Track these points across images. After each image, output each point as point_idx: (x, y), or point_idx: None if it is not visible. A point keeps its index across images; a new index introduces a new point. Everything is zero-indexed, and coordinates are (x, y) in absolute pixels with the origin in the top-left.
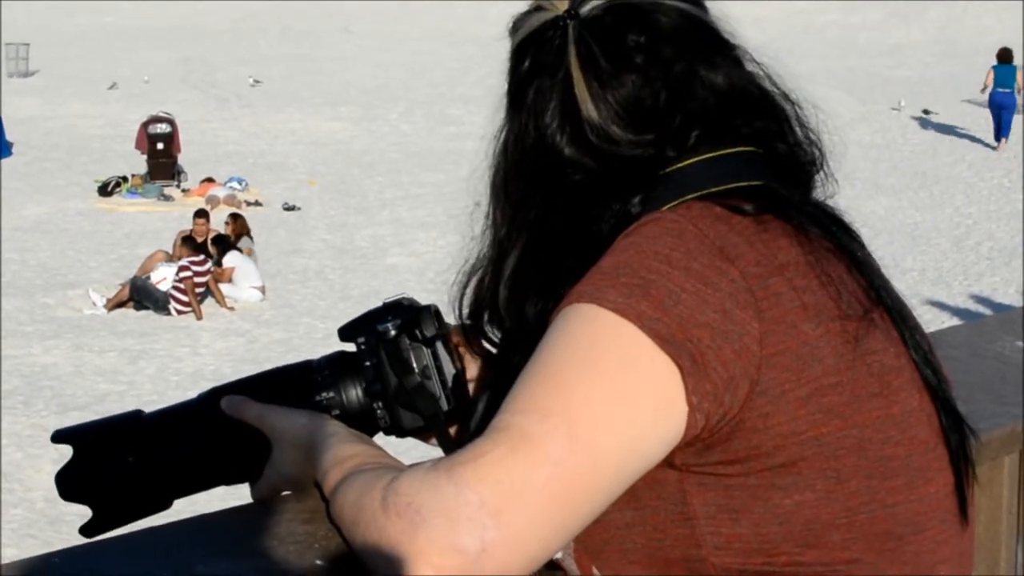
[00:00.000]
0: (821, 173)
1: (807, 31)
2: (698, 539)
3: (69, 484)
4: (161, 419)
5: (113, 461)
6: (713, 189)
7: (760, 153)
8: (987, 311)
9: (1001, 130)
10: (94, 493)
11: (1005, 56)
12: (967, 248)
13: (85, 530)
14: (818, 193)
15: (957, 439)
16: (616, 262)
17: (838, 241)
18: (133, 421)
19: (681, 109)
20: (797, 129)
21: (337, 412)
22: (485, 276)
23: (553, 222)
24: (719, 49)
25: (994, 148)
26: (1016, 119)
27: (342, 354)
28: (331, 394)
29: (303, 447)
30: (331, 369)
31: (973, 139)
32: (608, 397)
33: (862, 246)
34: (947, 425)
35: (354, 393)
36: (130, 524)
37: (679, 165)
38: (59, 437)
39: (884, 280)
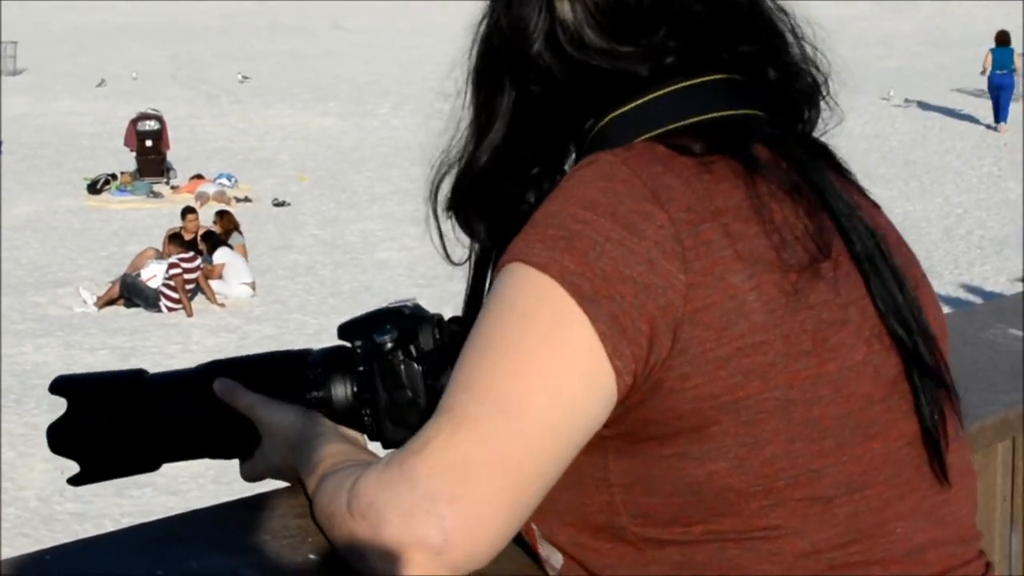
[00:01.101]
0: (822, 99)
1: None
2: (617, 507)
3: (59, 437)
4: (163, 382)
5: (107, 417)
6: (671, 126)
7: (740, 81)
8: (978, 300)
9: (1000, 113)
10: (84, 448)
11: (1003, 38)
12: (957, 237)
13: (73, 480)
14: (822, 122)
15: (927, 391)
16: (546, 211)
17: (809, 179)
18: (134, 380)
19: (664, 17)
20: (794, 50)
21: (326, 411)
22: (461, 169)
23: (523, 119)
24: None
25: (995, 129)
26: (1016, 107)
27: (339, 349)
28: (321, 393)
29: (290, 444)
30: (324, 367)
31: (963, 129)
32: (538, 369)
33: (849, 183)
34: (914, 376)
35: (343, 394)
36: (115, 478)
37: (643, 100)
38: (56, 387)
39: (861, 222)
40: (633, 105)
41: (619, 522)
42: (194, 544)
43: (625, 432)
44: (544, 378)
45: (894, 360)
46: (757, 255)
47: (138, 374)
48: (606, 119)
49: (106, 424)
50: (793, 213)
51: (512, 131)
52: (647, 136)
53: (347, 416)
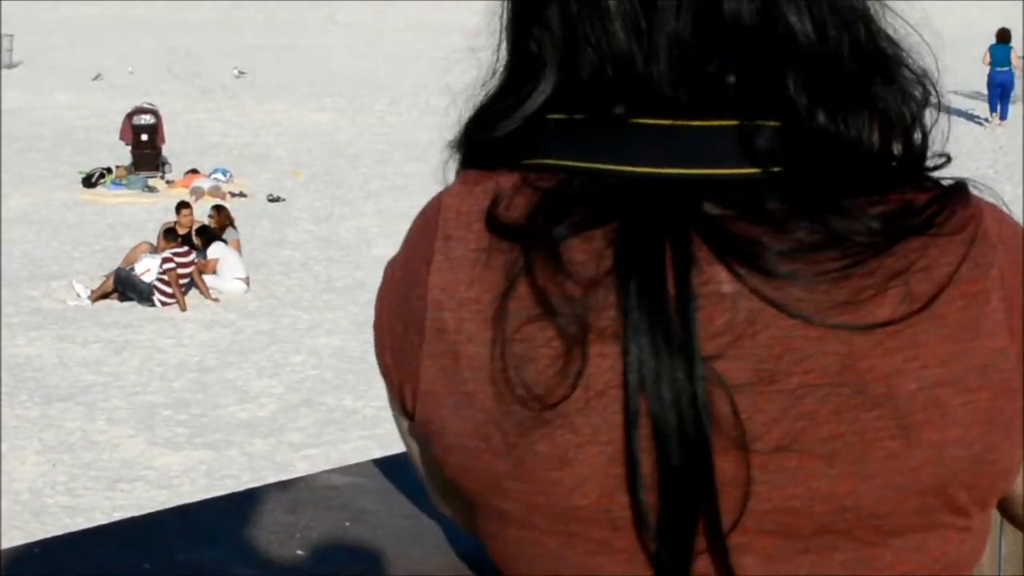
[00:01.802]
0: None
1: None
2: None
3: None
4: None
5: None
6: (570, 163)
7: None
8: None
9: (1002, 113)
10: None
11: (1003, 36)
12: None
13: None
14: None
15: None
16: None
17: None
18: None
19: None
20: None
21: None
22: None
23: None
24: None
25: (984, 123)
26: (1015, 108)
27: None
28: None
29: None
30: None
31: (959, 131)
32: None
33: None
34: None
35: None
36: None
37: (584, 118)
38: None
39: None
40: (567, 117)
41: None
42: (183, 538)
43: None
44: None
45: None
46: (478, 368)
47: None
48: (551, 117)
49: None
50: (550, 330)
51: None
52: (541, 162)
53: None
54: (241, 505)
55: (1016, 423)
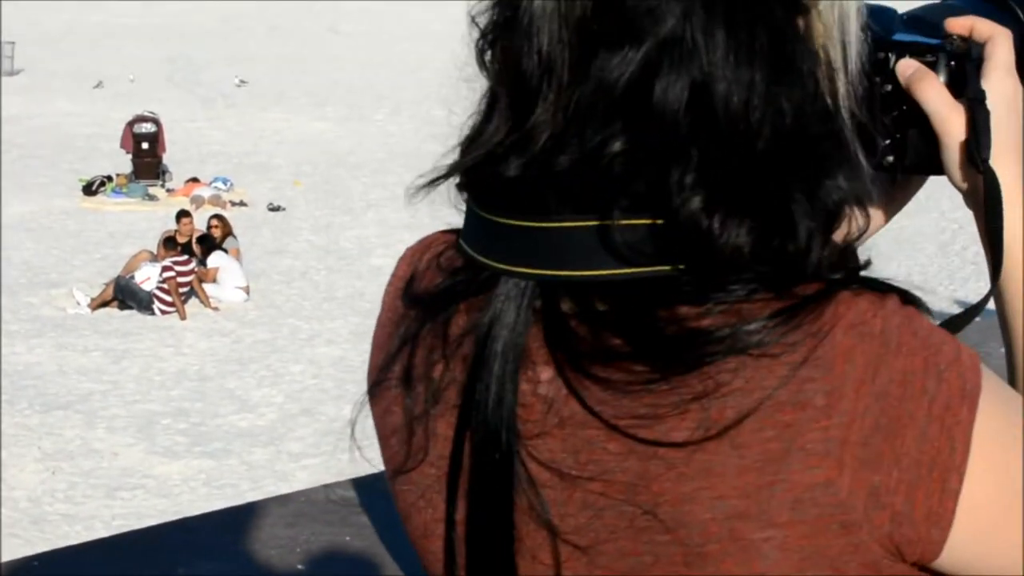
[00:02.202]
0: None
1: None
2: None
3: None
4: None
5: None
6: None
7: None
8: (976, 319)
9: None
10: None
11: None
12: (952, 253)
13: None
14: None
15: None
16: None
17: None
18: None
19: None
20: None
21: None
22: None
23: None
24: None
25: None
26: None
27: None
28: None
29: None
30: None
31: None
32: None
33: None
34: None
35: None
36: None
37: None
38: None
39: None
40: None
41: None
42: (183, 551)
43: None
44: None
45: None
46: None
47: None
48: None
49: None
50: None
51: None
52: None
53: None
54: (242, 519)
55: (853, 559)
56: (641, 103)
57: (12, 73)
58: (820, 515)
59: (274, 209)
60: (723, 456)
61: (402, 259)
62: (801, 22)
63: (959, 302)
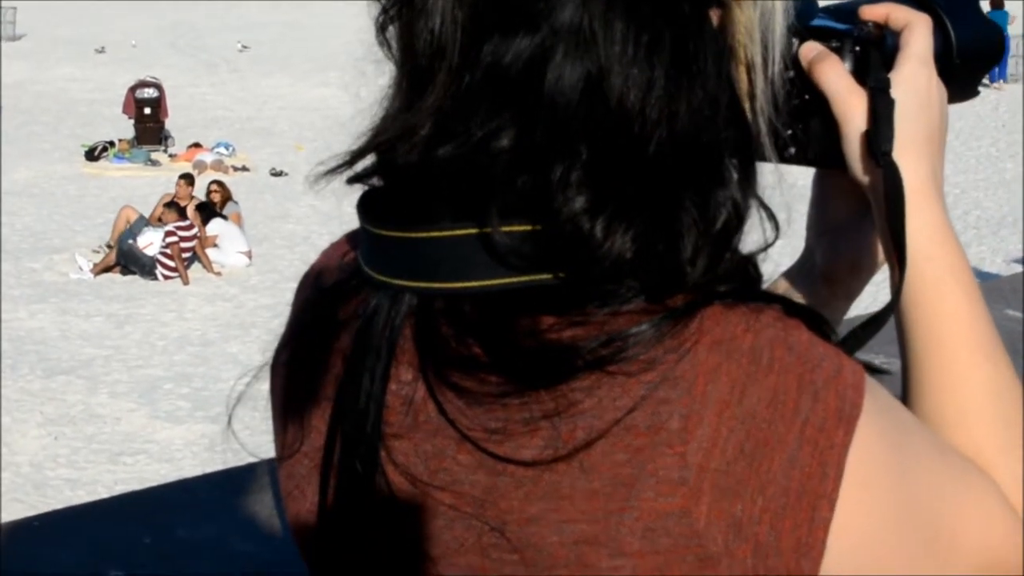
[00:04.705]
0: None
1: None
2: None
3: None
4: None
5: None
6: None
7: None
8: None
9: (1001, 73)
10: None
11: (997, 2)
12: (955, 218)
13: None
14: None
15: None
16: None
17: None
18: None
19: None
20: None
21: None
22: None
23: None
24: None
25: (985, 87)
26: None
27: None
28: None
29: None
30: None
31: (960, 108)
32: None
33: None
34: None
35: None
36: None
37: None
38: None
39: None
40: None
41: None
42: (183, 513)
43: None
44: None
45: None
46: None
47: None
48: None
49: None
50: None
51: None
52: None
53: None
54: (241, 480)
55: None
56: (533, 93)
57: (14, 38)
58: (674, 546)
59: (276, 174)
60: (572, 478)
61: (323, 251)
62: (715, 17)
63: None
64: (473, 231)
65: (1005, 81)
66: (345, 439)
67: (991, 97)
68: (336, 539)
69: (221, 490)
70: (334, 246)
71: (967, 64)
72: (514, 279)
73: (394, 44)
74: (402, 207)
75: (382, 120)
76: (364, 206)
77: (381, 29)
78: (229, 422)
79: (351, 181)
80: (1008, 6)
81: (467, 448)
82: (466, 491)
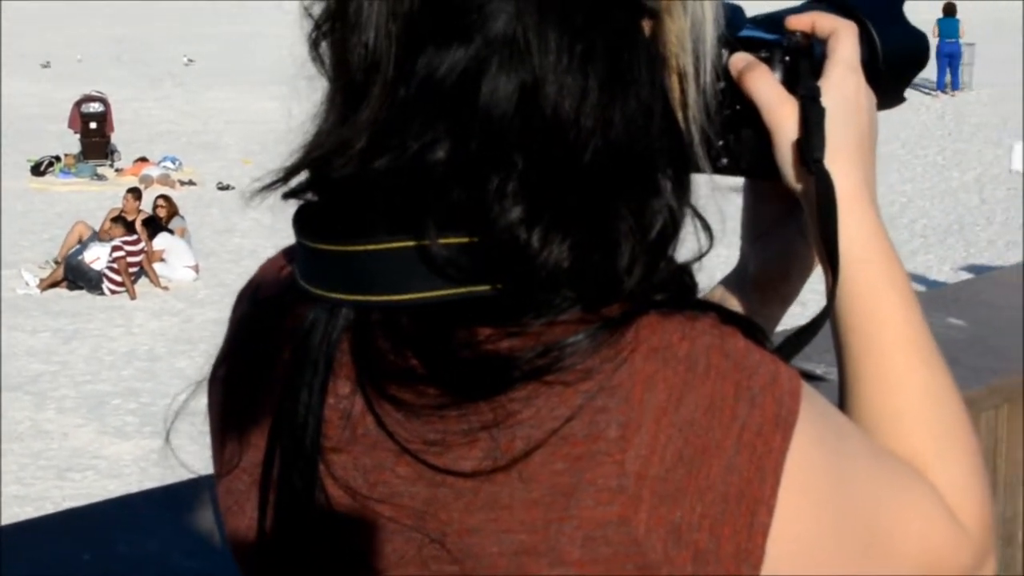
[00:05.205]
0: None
1: None
2: None
3: None
4: None
5: None
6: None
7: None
8: (921, 288)
9: (953, 82)
10: None
11: (949, 9)
12: (901, 226)
13: None
14: None
15: None
16: None
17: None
18: None
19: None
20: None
21: None
22: None
23: None
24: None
25: (935, 95)
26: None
27: None
28: None
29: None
30: None
31: (906, 118)
32: None
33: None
34: None
35: None
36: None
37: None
38: None
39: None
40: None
41: None
42: (125, 528)
43: None
44: None
45: None
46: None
47: None
48: None
49: None
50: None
51: None
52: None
53: None
54: (185, 495)
55: None
56: (468, 104)
57: None
58: (614, 554)
59: (223, 188)
60: (511, 488)
61: (260, 266)
62: (648, 27)
63: (909, 274)
64: (410, 244)
65: (956, 89)
66: (284, 454)
67: (937, 105)
68: (276, 555)
69: (165, 505)
70: (270, 261)
71: (893, 71)
72: (452, 291)
73: (327, 60)
74: (338, 221)
75: (316, 135)
76: (300, 221)
77: (314, 45)
78: (167, 438)
79: (287, 196)
80: (1008, 6)
81: (406, 460)
82: (406, 503)
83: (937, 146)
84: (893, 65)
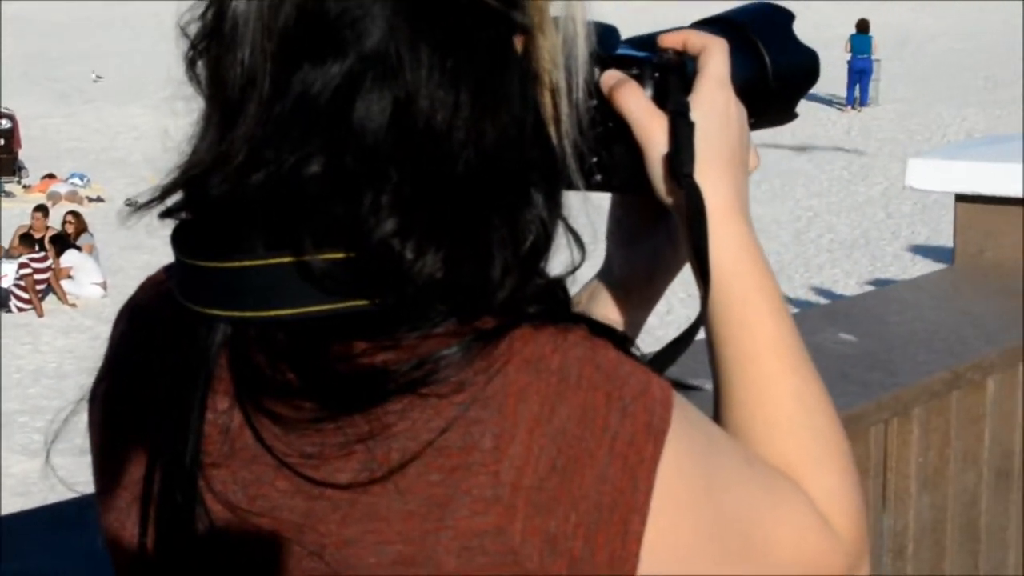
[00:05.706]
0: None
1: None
2: None
3: None
4: None
5: None
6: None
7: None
8: (828, 303)
9: (862, 97)
10: None
11: (863, 26)
12: (808, 241)
13: None
14: None
15: None
16: None
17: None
18: None
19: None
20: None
21: None
22: None
23: None
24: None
25: (844, 109)
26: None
27: None
28: None
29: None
30: None
31: (813, 132)
32: None
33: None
34: None
35: None
36: None
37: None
38: None
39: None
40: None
41: None
42: (20, 545)
43: None
44: None
45: None
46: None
47: None
48: None
49: None
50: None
51: None
52: None
53: None
54: (87, 510)
55: None
56: (342, 120)
57: None
58: (490, 564)
59: (131, 205)
60: (388, 500)
61: (140, 284)
62: (519, 43)
63: (815, 289)
64: (287, 259)
65: (865, 104)
66: (164, 470)
67: (843, 120)
68: (158, 571)
69: (65, 521)
70: (150, 278)
71: (784, 87)
72: (328, 306)
73: (203, 79)
74: (215, 237)
75: (193, 154)
76: (178, 237)
77: (191, 64)
78: (47, 457)
79: (163, 216)
80: (1009, 7)
81: (284, 474)
82: (285, 516)
83: (844, 160)
84: (784, 82)
